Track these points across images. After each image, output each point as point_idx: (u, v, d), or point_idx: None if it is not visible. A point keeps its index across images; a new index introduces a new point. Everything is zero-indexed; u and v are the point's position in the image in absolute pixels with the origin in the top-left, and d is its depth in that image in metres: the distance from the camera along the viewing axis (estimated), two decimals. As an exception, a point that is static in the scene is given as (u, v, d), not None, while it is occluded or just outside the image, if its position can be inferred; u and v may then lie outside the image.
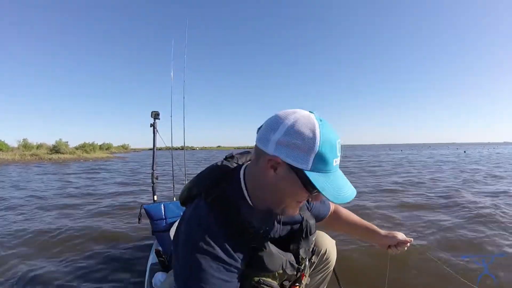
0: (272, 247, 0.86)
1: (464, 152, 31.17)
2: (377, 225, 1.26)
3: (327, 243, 1.29)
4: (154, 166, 2.79)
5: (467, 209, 4.14)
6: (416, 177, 8.42)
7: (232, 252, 0.77)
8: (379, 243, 1.26)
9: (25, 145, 29.19)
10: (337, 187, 0.73)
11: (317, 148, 0.70)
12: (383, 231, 1.25)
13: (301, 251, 0.96)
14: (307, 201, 1.08)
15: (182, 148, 3.47)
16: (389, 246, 1.24)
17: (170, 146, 3.15)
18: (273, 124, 0.74)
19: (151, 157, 2.83)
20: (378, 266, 2.30)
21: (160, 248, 1.78)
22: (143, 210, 2.04)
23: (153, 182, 2.73)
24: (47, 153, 27.61)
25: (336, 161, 0.74)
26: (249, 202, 0.84)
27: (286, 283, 0.95)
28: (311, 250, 1.03)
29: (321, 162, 0.71)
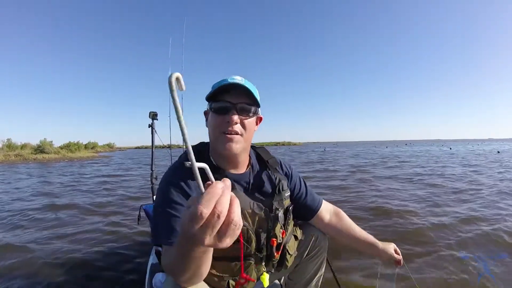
0: (237, 188, 1.07)
1: (450, 148, 31.85)
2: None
3: (315, 230, 1.38)
4: (153, 166, 2.77)
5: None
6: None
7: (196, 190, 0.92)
8: (376, 255, 1.38)
9: (9, 145, 28.39)
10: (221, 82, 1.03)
11: (214, 84, 1.07)
12: (381, 244, 1.36)
13: (275, 203, 1.13)
14: (301, 189, 1.30)
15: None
16: None
17: (169, 145, 3.14)
18: None
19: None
20: (373, 260, 2.35)
21: (160, 249, 1.77)
22: (142, 211, 2.03)
23: (152, 182, 2.70)
24: (32, 153, 26.90)
25: (226, 82, 1.01)
26: (213, 162, 1.09)
27: (263, 235, 1.08)
28: (285, 206, 1.18)
29: (216, 85, 1.03)
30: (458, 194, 5.27)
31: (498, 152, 20.92)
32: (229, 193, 0.47)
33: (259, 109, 1.11)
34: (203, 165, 0.47)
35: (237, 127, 1.01)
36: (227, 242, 0.49)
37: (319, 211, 1.33)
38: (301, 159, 17.98)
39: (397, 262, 1.36)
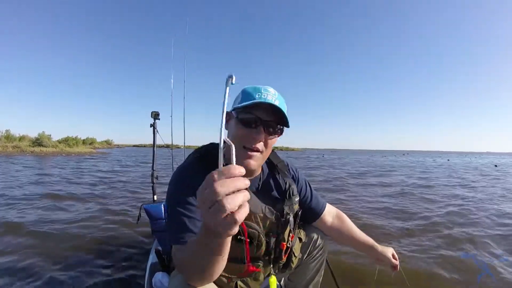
0: (251, 193, 1.04)
1: (448, 160, 31.89)
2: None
3: (316, 232, 1.41)
4: (154, 165, 2.77)
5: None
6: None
7: None
8: (374, 258, 1.41)
9: (7, 137, 28.21)
10: (254, 98, 0.95)
11: (242, 89, 1.01)
12: (380, 247, 1.40)
13: (286, 208, 1.14)
14: (306, 192, 1.32)
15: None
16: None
17: (171, 145, 3.16)
18: None
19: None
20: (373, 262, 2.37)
21: (160, 248, 1.78)
22: (142, 210, 2.03)
23: (153, 182, 2.71)
24: (29, 145, 26.75)
25: (259, 95, 0.95)
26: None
27: (273, 239, 1.10)
28: (295, 210, 1.19)
29: (246, 95, 0.97)
30: (434, 203, 5.33)
31: (496, 166, 20.97)
32: (241, 183, 0.52)
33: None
34: (231, 144, 0.56)
35: (260, 145, 0.98)
36: (221, 227, 0.52)
37: (322, 214, 1.36)
38: (299, 165, 17.99)
39: (394, 267, 1.40)
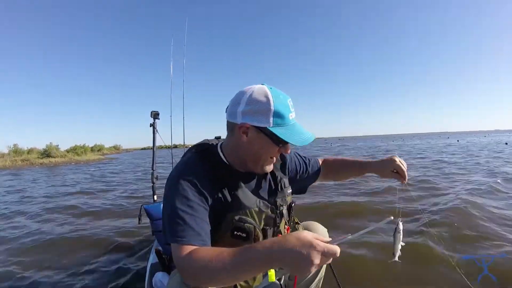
0: (246, 188, 1.04)
1: (458, 141, 31.49)
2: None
3: (319, 230, 1.38)
4: (154, 165, 2.76)
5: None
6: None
7: (209, 188, 0.95)
8: (377, 172, 1.33)
9: (16, 151, 28.64)
10: (298, 134, 0.96)
11: (272, 108, 0.92)
12: (377, 159, 1.34)
13: (278, 200, 1.13)
14: (300, 164, 1.34)
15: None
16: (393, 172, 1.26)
17: (170, 145, 3.15)
18: (236, 99, 0.97)
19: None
20: (375, 260, 2.34)
21: (160, 248, 1.76)
22: (143, 210, 2.02)
23: (153, 182, 2.69)
24: (38, 157, 27.15)
25: (291, 115, 0.97)
26: (225, 161, 1.04)
27: (270, 232, 1.08)
28: (288, 202, 1.19)
29: (279, 118, 0.94)
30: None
31: (506, 143, 20.67)
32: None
33: None
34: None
35: None
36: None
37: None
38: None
39: (402, 177, 1.23)
